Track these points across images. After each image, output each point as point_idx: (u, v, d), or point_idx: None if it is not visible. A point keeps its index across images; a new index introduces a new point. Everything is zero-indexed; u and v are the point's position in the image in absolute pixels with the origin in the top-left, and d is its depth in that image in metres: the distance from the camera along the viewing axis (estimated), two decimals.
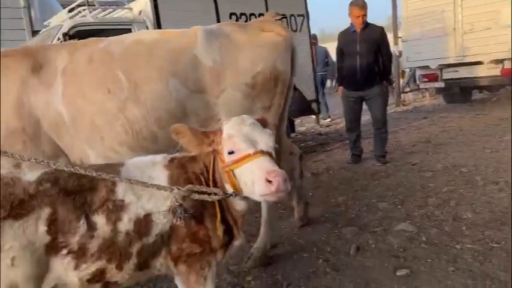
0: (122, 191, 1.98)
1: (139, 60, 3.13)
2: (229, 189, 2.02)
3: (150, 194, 2.01)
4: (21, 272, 1.78)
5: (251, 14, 7.23)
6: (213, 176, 2.07)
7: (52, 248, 1.84)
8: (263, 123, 2.09)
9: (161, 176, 2.07)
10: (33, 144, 3.01)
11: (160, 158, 2.19)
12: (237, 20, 6.93)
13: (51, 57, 3.14)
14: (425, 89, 13.68)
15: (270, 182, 1.79)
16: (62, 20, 6.23)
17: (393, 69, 11.47)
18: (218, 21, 6.39)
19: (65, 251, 1.87)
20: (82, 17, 6.19)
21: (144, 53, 3.16)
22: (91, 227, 1.90)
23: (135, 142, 3.09)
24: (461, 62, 11.03)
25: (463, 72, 11.15)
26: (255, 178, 1.84)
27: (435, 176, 5.55)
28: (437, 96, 13.68)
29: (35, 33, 7.78)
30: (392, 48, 10.20)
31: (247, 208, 2.15)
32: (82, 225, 1.88)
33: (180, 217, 1.91)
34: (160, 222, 2.01)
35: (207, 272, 2.11)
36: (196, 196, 1.97)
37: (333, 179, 6.12)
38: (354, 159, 6.83)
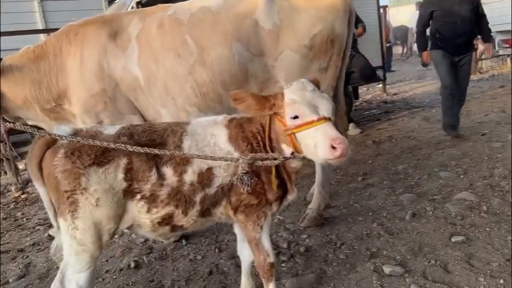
0: (187, 147, 2.21)
1: (205, 25, 3.31)
2: (286, 148, 2.19)
3: (212, 150, 2.23)
4: (104, 212, 2.09)
5: None
6: (269, 135, 2.23)
7: (128, 193, 2.13)
8: (315, 84, 2.20)
9: (221, 134, 2.28)
10: (112, 105, 3.35)
11: (221, 118, 2.40)
12: None
13: (125, 24, 3.41)
14: (507, 55, 12.70)
15: (334, 148, 1.95)
16: None
17: None
18: None
19: (139, 196, 2.15)
20: None
21: (210, 19, 3.32)
22: (161, 176, 2.15)
23: (203, 103, 3.33)
24: None
25: None
26: (318, 143, 2.01)
27: (505, 146, 5.28)
28: None
29: (110, 2, 8.24)
30: None
31: (300, 166, 2.31)
32: (153, 175, 2.14)
33: (248, 184, 2.11)
34: (221, 176, 2.22)
35: (263, 222, 2.32)
36: (259, 163, 2.14)
37: (395, 147, 6.04)
38: (450, 130, 6.08)
